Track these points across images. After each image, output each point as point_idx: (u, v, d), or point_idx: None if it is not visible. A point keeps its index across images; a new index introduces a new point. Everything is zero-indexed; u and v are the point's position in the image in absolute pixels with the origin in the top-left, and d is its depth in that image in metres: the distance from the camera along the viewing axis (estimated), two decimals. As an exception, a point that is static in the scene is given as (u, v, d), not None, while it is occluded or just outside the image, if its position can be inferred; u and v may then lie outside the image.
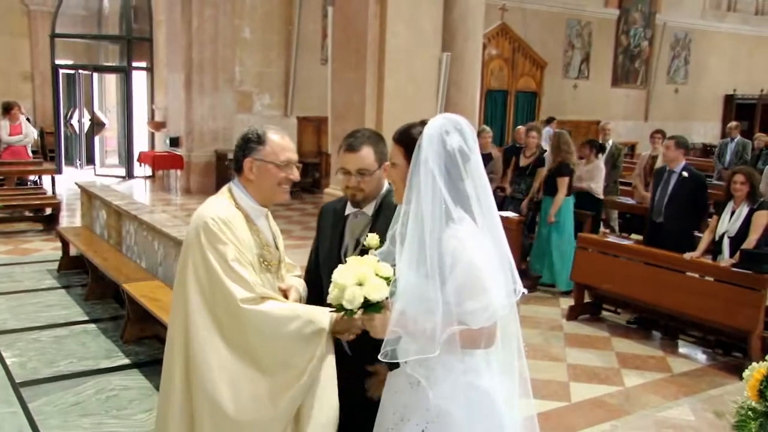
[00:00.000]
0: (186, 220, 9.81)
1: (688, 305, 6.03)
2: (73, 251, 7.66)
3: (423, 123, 2.29)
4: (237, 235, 2.45)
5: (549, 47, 17.57)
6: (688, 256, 6.07)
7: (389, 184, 2.64)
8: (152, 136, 15.52)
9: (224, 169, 13.49)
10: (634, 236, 8.71)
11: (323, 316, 2.43)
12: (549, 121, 14.13)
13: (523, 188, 8.34)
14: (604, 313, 7.05)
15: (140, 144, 15.57)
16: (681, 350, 6.28)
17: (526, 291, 2.27)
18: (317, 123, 14.69)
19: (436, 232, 2.16)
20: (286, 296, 2.60)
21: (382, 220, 2.60)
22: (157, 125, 14.84)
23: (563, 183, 7.65)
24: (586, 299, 7.03)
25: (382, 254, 2.33)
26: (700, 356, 6.18)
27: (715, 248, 6.13)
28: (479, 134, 8.87)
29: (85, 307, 6.65)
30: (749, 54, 21.83)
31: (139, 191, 13.57)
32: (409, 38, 8.76)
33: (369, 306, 2.22)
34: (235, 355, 2.36)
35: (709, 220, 6.59)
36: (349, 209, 2.75)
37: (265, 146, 2.56)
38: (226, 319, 2.37)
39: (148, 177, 14.74)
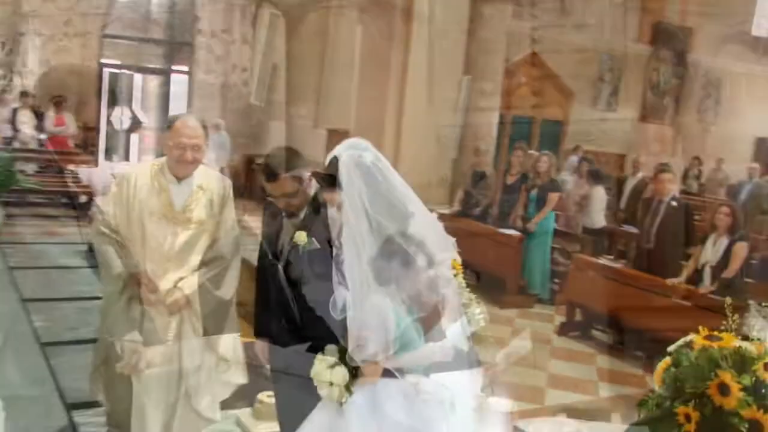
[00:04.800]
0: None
1: (673, 328, 6.32)
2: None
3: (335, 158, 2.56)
4: (134, 188, 3.26)
5: (578, 77, 17.82)
6: (670, 281, 6.43)
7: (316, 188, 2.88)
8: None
9: (251, 172, 14.02)
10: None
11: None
12: (575, 149, 14.55)
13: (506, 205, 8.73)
14: (594, 332, 7.38)
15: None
16: (661, 371, 6.55)
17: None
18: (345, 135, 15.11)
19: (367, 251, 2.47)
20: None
21: (313, 220, 2.85)
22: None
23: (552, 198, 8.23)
24: (578, 317, 7.39)
25: None
26: (678, 377, 6.44)
27: (696, 276, 6.47)
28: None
29: (108, 285, 7.20)
30: (782, 97, 21.82)
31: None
32: (432, 60, 9.20)
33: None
34: None
35: (694, 249, 6.93)
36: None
37: (169, 131, 3.25)
38: None
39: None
